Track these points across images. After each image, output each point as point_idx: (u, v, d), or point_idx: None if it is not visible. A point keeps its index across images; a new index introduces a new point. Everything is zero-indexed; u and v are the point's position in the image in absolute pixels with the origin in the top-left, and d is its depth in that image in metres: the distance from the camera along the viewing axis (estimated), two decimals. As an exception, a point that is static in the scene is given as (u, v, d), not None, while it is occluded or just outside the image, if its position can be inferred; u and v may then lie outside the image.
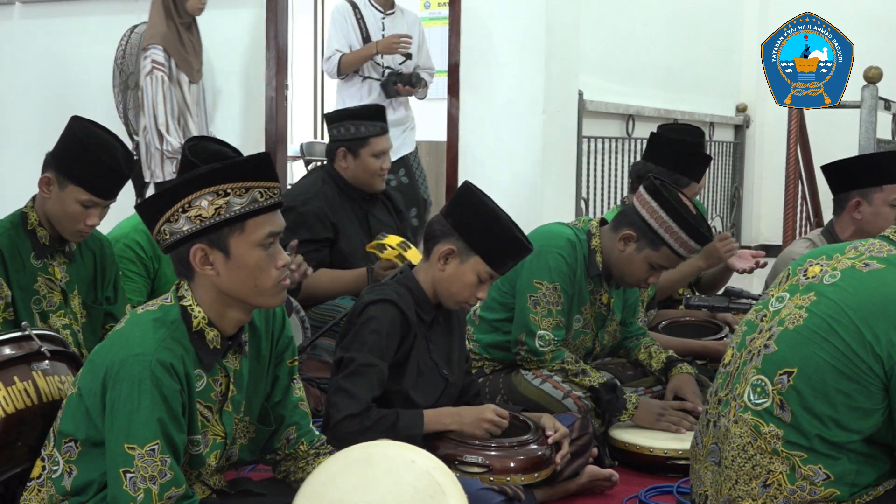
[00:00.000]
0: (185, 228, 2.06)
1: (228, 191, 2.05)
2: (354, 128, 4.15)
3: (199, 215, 2.05)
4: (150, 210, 2.10)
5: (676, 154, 3.96)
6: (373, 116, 4.19)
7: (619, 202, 4.22)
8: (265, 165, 2.09)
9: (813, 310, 2.14)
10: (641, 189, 3.25)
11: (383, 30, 5.44)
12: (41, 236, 2.99)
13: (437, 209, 5.28)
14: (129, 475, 1.98)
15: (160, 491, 1.98)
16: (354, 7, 5.48)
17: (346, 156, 4.13)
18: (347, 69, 5.41)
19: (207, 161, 3.21)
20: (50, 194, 2.94)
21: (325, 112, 4.40)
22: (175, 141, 5.20)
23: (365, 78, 5.44)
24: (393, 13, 5.55)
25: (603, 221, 3.40)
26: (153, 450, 1.98)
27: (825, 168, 3.68)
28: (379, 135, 4.16)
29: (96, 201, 2.93)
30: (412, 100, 5.64)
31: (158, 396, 1.99)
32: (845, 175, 3.61)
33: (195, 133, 5.32)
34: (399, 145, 5.39)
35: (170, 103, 5.25)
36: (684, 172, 3.92)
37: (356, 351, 2.65)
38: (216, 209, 2.05)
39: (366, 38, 5.43)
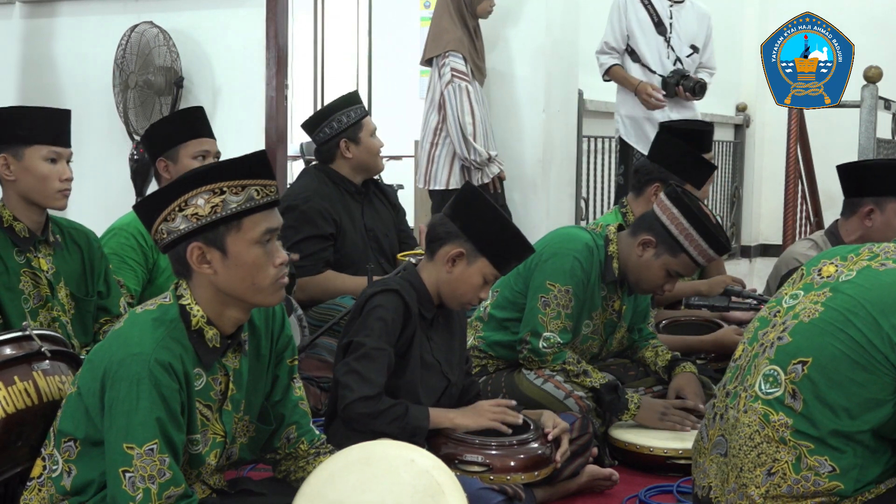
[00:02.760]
0: (181, 227, 2.07)
1: (224, 189, 2.05)
2: (345, 117, 4.18)
3: (196, 214, 2.06)
4: (147, 209, 2.11)
5: (680, 157, 3.86)
6: (353, 101, 4.24)
7: (618, 202, 4.19)
8: (261, 163, 2.10)
9: (829, 304, 2.17)
10: (662, 195, 3.25)
11: (671, 18, 5.19)
12: (19, 230, 2.93)
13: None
14: (127, 475, 1.98)
15: (159, 490, 1.98)
16: None
17: (349, 145, 4.16)
18: (614, 77, 5.25)
19: None
20: (12, 173, 2.92)
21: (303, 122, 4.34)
22: (483, 150, 5.03)
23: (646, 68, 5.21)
24: (682, 3, 5.24)
25: (621, 227, 3.40)
26: (152, 449, 1.98)
27: (841, 168, 3.62)
28: (367, 115, 4.23)
29: (58, 151, 2.93)
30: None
31: (157, 396, 2.00)
32: (862, 180, 3.56)
33: (491, 137, 5.19)
34: None
35: (479, 113, 5.06)
36: (687, 178, 3.80)
37: (365, 336, 2.68)
38: (212, 207, 2.05)
39: (657, 23, 5.16)
